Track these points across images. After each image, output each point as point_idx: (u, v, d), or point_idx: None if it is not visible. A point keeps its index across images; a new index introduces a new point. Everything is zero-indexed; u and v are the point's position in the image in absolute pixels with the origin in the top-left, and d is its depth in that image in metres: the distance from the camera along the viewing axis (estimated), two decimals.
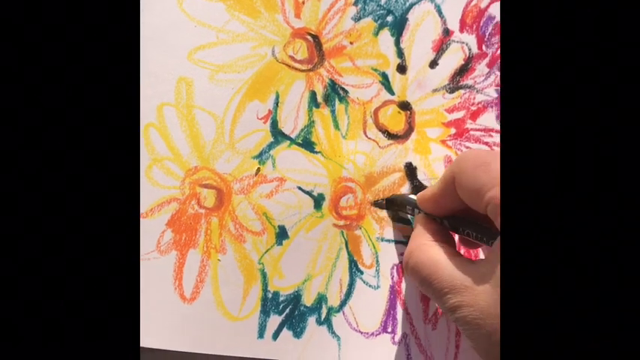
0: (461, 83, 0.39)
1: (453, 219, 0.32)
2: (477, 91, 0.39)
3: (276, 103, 0.38)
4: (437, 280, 0.29)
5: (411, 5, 0.38)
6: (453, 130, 0.38)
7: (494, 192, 0.26)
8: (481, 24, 0.39)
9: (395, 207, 0.37)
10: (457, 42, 0.39)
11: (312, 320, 0.36)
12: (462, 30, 0.39)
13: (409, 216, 0.37)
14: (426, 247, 0.31)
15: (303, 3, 0.38)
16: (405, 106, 0.38)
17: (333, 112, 0.38)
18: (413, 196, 0.35)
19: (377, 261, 0.37)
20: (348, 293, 0.37)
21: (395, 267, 0.37)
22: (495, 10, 0.39)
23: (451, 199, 0.31)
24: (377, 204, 0.38)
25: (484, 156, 0.29)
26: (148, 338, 0.36)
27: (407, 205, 0.35)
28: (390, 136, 0.38)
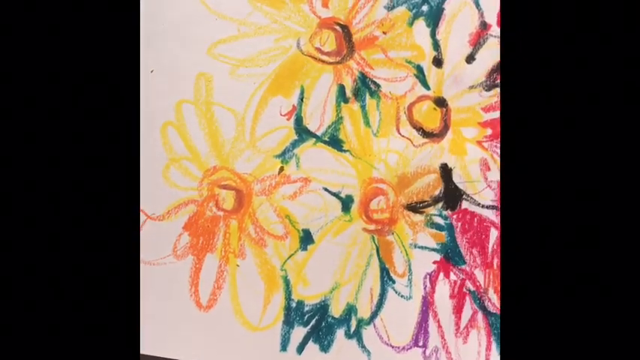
0: (498, 81, 0.37)
1: None
2: None
3: (301, 99, 0.37)
4: None
5: None
6: (489, 131, 0.37)
7: None
8: None
9: None
10: (495, 36, 0.37)
11: (340, 333, 0.35)
12: (499, 24, 0.37)
13: None
14: None
15: None
16: (441, 102, 0.37)
17: (363, 107, 0.37)
18: None
19: (409, 269, 0.36)
20: (380, 304, 0.35)
21: (428, 276, 0.35)
22: None
23: None
24: (410, 207, 0.36)
25: None
26: (162, 347, 0.35)
27: None
28: (425, 134, 0.36)
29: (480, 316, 0.35)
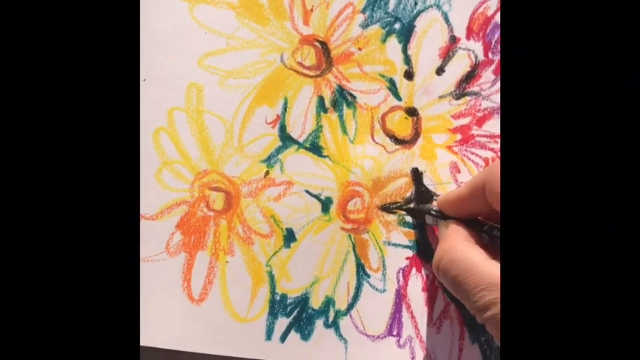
0: (467, 90, 0.39)
1: (477, 223, 0.33)
2: (483, 98, 0.39)
3: (285, 108, 0.38)
4: (472, 277, 0.28)
5: (419, 13, 0.39)
6: (458, 136, 0.39)
7: None
8: (487, 31, 0.39)
9: (415, 214, 0.38)
10: (464, 49, 0.39)
11: (319, 323, 0.37)
12: (468, 37, 0.39)
13: (428, 222, 0.37)
14: (461, 247, 0.31)
15: (312, 10, 0.38)
16: (411, 111, 0.39)
17: (340, 117, 0.38)
18: (430, 205, 0.36)
19: (383, 265, 0.37)
20: (355, 296, 0.37)
21: (401, 271, 0.37)
22: None
23: (478, 203, 0.31)
24: (384, 208, 0.38)
25: None
26: (157, 338, 0.36)
27: (427, 212, 0.36)
28: (397, 141, 0.38)
29: (452, 307, 0.37)
